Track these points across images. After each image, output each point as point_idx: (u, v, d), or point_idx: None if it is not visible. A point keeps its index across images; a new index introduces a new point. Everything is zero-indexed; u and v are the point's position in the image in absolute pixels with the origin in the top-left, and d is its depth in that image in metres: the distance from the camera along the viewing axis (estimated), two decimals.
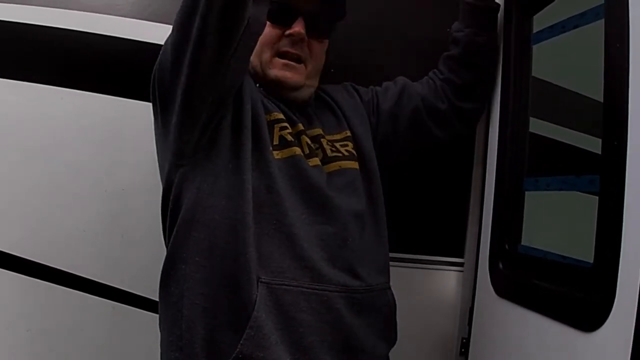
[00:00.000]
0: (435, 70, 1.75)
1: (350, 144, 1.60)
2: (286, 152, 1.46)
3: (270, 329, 1.34)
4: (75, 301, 1.78)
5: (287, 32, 1.51)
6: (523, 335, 1.41)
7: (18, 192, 1.78)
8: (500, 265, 1.56)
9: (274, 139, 1.46)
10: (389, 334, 1.57)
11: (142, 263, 1.73)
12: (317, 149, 1.53)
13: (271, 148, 1.44)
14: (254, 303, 1.34)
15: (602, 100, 1.17)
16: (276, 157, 1.44)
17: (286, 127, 1.49)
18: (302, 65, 1.54)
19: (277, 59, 1.53)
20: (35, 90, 1.78)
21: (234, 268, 1.36)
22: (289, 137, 1.47)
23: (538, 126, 1.71)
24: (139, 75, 1.70)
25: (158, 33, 1.72)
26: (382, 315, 1.53)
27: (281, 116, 1.50)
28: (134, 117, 1.77)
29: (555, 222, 1.79)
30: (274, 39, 1.52)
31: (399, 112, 1.68)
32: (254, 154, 1.41)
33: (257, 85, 1.53)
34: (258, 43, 1.45)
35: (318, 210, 1.44)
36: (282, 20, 1.51)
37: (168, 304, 1.42)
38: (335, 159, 1.54)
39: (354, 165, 1.56)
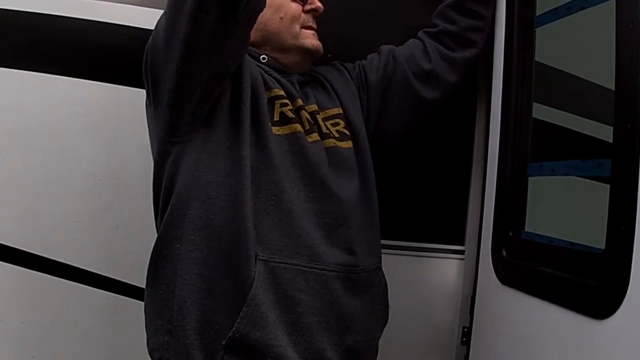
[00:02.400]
0: (425, 29, 1.71)
1: (341, 122, 1.59)
2: (287, 129, 1.45)
3: (268, 308, 1.33)
4: (69, 292, 1.75)
5: (309, 7, 1.57)
6: (528, 323, 1.38)
7: (10, 182, 1.75)
8: (504, 252, 1.53)
9: (275, 115, 1.45)
10: (382, 315, 1.56)
11: (136, 252, 1.69)
12: (314, 124, 1.52)
13: (270, 124, 1.43)
14: (252, 281, 1.32)
15: (607, 85, 1.14)
16: (276, 133, 1.43)
17: (287, 104, 1.48)
18: None
19: (304, 30, 1.57)
20: (28, 78, 1.74)
21: (231, 245, 1.35)
22: (290, 114, 1.47)
23: (541, 112, 1.68)
24: (134, 62, 1.68)
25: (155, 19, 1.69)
26: (376, 296, 1.52)
27: (281, 92, 1.49)
28: (128, 104, 1.74)
29: (559, 209, 1.77)
30: (298, 14, 1.56)
31: (388, 82, 1.66)
32: (252, 130, 1.40)
33: (263, 59, 1.53)
34: (287, 18, 1.54)
35: (317, 188, 1.43)
36: None
37: (158, 285, 1.40)
38: (330, 136, 1.53)
39: (348, 145, 1.55)
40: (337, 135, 1.55)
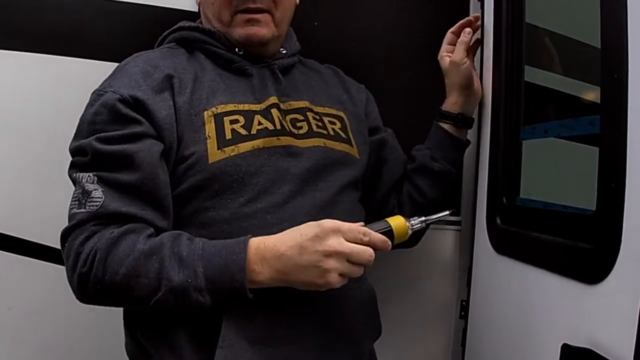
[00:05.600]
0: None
1: (338, 123, 1.49)
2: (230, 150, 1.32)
3: (243, 346, 1.24)
4: (56, 277, 1.70)
5: None
6: (524, 293, 1.33)
7: None
8: (498, 220, 1.48)
9: (226, 133, 1.32)
10: (373, 326, 1.48)
11: None
12: (302, 120, 1.42)
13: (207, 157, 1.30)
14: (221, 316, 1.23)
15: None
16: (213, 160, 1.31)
17: (237, 120, 1.34)
18: (266, 14, 1.41)
19: (239, 15, 1.40)
20: (6, 56, 1.69)
21: None
22: (243, 131, 1.33)
23: (534, 74, 1.63)
24: (116, 36, 1.69)
25: None
26: (364, 307, 1.43)
27: (231, 107, 1.35)
28: None
29: (555, 173, 1.72)
30: None
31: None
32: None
33: (239, 51, 1.42)
34: (216, 4, 1.40)
35: (279, 208, 1.32)
36: None
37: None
38: (320, 135, 1.43)
39: (340, 146, 1.45)
40: (328, 134, 1.44)
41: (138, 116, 1.26)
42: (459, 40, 1.60)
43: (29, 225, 1.70)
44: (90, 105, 1.30)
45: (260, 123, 1.35)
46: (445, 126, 1.61)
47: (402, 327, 1.81)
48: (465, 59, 1.58)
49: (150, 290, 1.17)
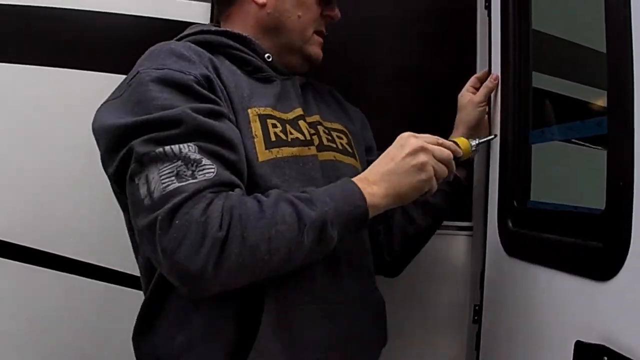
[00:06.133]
0: None
1: (345, 138, 1.52)
2: (284, 151, 1.32)
3: (279, 349, 1.24)
4: (72, 285, 1.73)
5: (328, 12, 1.49)
6: (537, 293, 1.35)
7: (8, 176, 1.73)
8: (510, 224, 1.50)
9: (270, 135, 1.31)
10: (382, 335, 1.51)
11: None
12: (313, 134, 1.42)
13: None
14: (259, 323, 1.22)
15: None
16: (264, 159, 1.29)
17: (275, 125, 1.33)
18: None
19: (315, 36, 1.49)
20: (22, 70, 1.73)
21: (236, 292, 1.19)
22: (283, 136, 1.34)
23: (541, 80, 1.65)
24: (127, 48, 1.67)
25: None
26: (375, 316, 1.46)
27: (269, 110, 1.35)
28: None
29: (564, 174, 1.73)
30: (317, 17, 1.48)
31: None
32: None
33: (268, 57, 1.42)
34: (305, 18, 1.45)
35: None
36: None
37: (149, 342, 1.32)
38: (330, 148, 1.44)
39: (348, 160, 1.48)
40: (337, 148, 1.47)
41: (213, 96, 1.22)
42: (484, 83, 1.65)
43: (43, 235, 1.74)
44: (139, 84, 1.19)
45: (291, 132, 1.35)
46: None
47: (415, 333, 1.83)
48: (484, 102, 1.63)
49: (290, 236, 1.13)
